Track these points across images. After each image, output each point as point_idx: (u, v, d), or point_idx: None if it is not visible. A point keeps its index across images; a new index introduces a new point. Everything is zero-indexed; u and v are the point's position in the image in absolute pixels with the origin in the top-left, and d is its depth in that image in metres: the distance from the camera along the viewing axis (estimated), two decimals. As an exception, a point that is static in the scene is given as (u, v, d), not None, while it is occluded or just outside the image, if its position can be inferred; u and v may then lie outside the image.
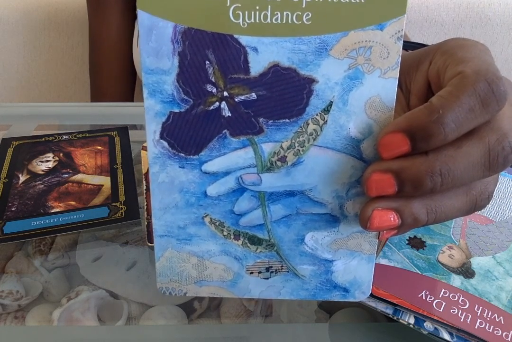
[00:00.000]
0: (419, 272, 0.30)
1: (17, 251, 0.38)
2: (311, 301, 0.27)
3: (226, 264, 0.25)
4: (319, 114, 0.22)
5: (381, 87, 0.21)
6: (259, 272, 0.25)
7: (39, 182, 0.43)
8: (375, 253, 0.25)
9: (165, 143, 0.22)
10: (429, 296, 0.29)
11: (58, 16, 0.89)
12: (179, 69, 0.21)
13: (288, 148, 0.23)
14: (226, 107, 0.22)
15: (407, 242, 0.32)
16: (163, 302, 0.34)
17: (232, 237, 0.24)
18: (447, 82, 0.22)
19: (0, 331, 0.32)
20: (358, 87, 0.21)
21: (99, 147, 0.48)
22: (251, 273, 0.25)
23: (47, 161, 0.46)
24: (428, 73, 0.26)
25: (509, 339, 0.27)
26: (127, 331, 0.33)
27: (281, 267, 0.25)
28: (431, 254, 0.32)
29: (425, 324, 0.28)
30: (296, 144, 0.23)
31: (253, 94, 0.22)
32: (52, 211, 0.39)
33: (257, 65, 0.21)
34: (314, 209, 0.24)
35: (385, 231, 0.23)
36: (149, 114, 0.22)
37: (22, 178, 0.43)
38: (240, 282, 0.25)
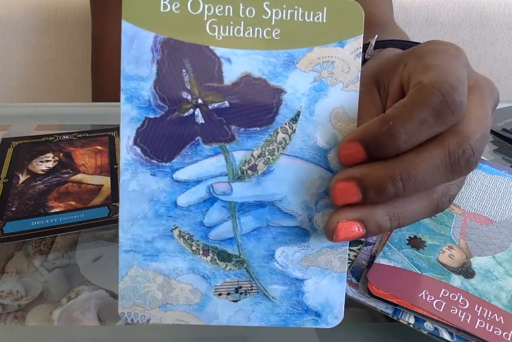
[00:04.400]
0: (419, 272, 0.30)
1: (17, 251, 0.38)
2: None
3: (194, 284, 0.24)
4: (287, 123, 0.23)
5: (343, 99, 0.23)
6: (228, 294, 0.24)
7: (39, 182, 0.43)
8: (346, 271, 0.25)
9: (138, 149, 0.23)
10: (429, 296, 0.29)
11: (58, 16, 0.89)
12: (157, 76, 0.22)
13: (258, 157, 0.23)
14: (200, 114, 0.23)
15: (407, 242, 0.32)
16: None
17: (201, 252, 0.24)
18: (409, 91, 0.23)
19: (0, 331, 0.32)
20: (323, 98, 0.23)
21: (99, 147, 0.48)
22: (220, 294, 0.24)
23: (47, 161, 0.46)
24: (401, 76, 0.26)
25: (509, 339, 0.27)
26: (127, 331, 0.33)
27: (250, 287, 0.24)
28: (431, 254, 0.32)
29: (425, 324, 0.28)
30: (266, 153, 0.23)
31: (226, 102, 0.23)
32: (52, 211, 0.39)
33: (230, 74, 0.22)
34: (284, 221, 0.24)
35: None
36: (124, 119, 0.22)
37: (22, 178, 0.43)
38: (207, 306, 0.24)
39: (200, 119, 0.23)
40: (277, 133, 0.23)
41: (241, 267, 0.24)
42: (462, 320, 0.28)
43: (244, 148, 0.23)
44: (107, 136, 0.50)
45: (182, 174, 0.23)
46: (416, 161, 0.22)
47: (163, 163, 0.23)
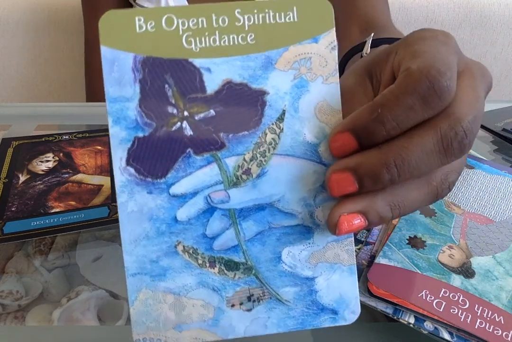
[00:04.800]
0: (419, 272, 0.30)
1: (17, 251, 0.38)
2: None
3: (205, 299, 0.24)
4: (274, 123, 0.23)
5: (325, 92, 0.23)
6: (241, 303, 0.24)
7: (39, 182, 0.43)
8: (355, 263, 0.25)
9: (132, 170, 0.23)
10: (429, 296, 0.29)
11: (58, 16, 0.89)
12: (141, 95, 0.23)
13: (251, 160, 0.23)
14: (187, 126, 0.23)
15: (407, 241, 0.32)
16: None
17: (207, 265, 0.24)
18: (397, 78, 0.23)
19: (0, 331, 0.32)
20: (305, 94, 0.23)
21: (99, 147, 0.48)
22: (233, 305, 0.24)
23: (47, 161, 0.46)
24: (393, 64, 0.26)
25: (509, 339, 0.27)
26: (127, 331, 0.32)
27: (262, 293, 0.24)
28: (431, 254, 0.32)
29: (425, 323, 0.28)
30: (258, 155, 0.23)
31: (211, 111, 0.23)
32: (52, 211, 0.39)
33: (211, 83, 0.23)
34: (286, 221, 0.24)
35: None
36: (114, 141, 0.23)
37: (22, 178, 0.43)
38: (222, 319, 0.24)
39: (189, 131, 0.23)
40: (266, 134, 0.23)
41: (249, 274, 0.24)
42: (462, 320, 0.28)
43: (236, 153, 0.23)
44: (107, 136, 0.50)
45: (178, 188, 0.23)
46: (409, 146, 0.22)
47: (158, 180, 0.23)
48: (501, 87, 0.97)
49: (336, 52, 0.24)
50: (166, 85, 0.23)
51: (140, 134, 0.23)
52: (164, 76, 0.23)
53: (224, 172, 0.23)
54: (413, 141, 0.22)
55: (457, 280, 0.30)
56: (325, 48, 0.23)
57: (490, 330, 0.27)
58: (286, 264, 0.24)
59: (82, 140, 0.49)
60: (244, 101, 0.23)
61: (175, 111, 0.23)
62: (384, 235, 0.33)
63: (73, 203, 0.40)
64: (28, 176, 0.44)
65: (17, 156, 0.46)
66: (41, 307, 0.34)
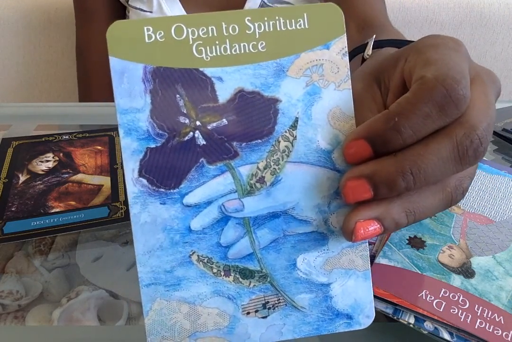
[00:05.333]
0: (419, 272, 0.30)
1: (17, 251, 0.38)
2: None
3: (220, 307, 0.24)
4: (287, 131, 0.23)
5: (338, 98, 0.23)
6: (256, 311, 0.24)
7: (39, 182, 0.43)
8: (369, 268, 0.25)
9: (144, 181, 0.23)
10: (429, 296, 0.29)
11: (58, 16, 0.89)
12: (152, 105, 0.22)
13: (264, 168, 0.23)
14: (200, 136, 0.23)
15: (407, 241, 0.32)
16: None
17: (222, 273, 0.24)
18: (411, 86, 0.23)
19: (0, 331, 0.32)
20: (318, 101, 0.23)
21: (99, 147, 0.48)
22: (248, 313, 0.24)
23: (47, 161, 0.46)
24: (403, 71, 0.26)
25: (509, 339, 0.27)
26: (127, 331, 0.33)
27: (278, 300, 0.24)
28: (431, 254, 0.32)
29: (425, 323, 0.28)
30: (272, 163, 0.23)
31: (224, 120, 0.23)
32: (52, 211, 0.39)
33: (224, 92, 0.23)
34: (300, 228, 0.24)
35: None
36: (126, 153, 0.22)
37: (22, 178, 0.43)
38: (237, 327, 0.24)
39: (201, 141, 0.23)
40: (279, 142, 0.23)
41: (265, 281, 0.24)
42: (462, 320, 0.28)
43: (249, 162, 0.23)
44: (107, 136, 0.50)
45: (192, 198, 0.23)
46: (424, 154, 0.22)
47: (172, 191, 0.23)
48: (501, 87, 0.97)
49: (347, 58, 0.24)
50: (178, 95, 0.22)
51: (152, 145, 0.22)
52: (175, 86, 0.22)
53: (238, 181, 0.23)
54: (429, 149, 0.22)
55: (457, 280, 0.30)
56: (336, 54, 0.23)
57: (490, 330, 0.27)
58: (301, 271, 0.24)
59: (82, 140, 0.49)
60: (256, 110, 0.23)
61: (187, 121, 0.23)
62: (384, 235, 0.33)
63: (73, 203, 0.40)
64: (28, 176, 0.44)
65: (17, 156, 0.46)
66: (41, 307, 0.34)
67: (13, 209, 0.39)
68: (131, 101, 0.22)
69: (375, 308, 0.28)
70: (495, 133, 0.55)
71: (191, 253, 0.23)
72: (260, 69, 0.23)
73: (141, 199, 0.23)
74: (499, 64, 0.96)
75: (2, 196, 0.41)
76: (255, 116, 0.23)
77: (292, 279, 0.24)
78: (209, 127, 0.23)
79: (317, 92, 0.23)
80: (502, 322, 0.28)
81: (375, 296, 0.28)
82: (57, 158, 0.46)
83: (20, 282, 0.35)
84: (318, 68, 0.23)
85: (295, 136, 0.23)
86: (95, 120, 0.57)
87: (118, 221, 0.38)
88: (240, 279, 0.24)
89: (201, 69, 0.23)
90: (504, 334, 0.27)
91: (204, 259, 0.24)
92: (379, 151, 0.22)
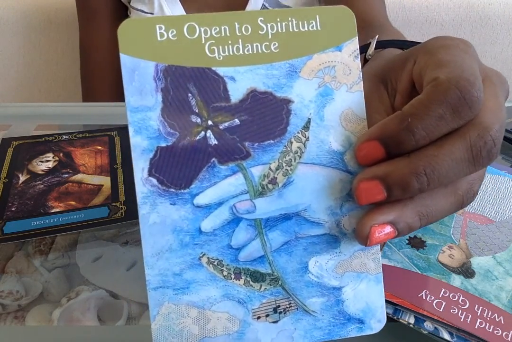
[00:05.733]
0: (419, 272, 0.30)
1: (17, 251, 0.38)
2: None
3: (230, 311, 0.23)
4: (300, 132, 0.23)
5: (350, 100, 0.23)
6: (267, 315, 0.24)
7: (39, 182, 0.43)
8: (381, 272, 0.25)
9: (154, 180, 0.22)
10: (429, 296, 0.29)
11: (58, 16, 0.89)
12: (163, 104, 0.22)
13: (276, 169, 0.23)
14: (212, 135, 0.23)
15: (407, 241, 0.32)
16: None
17: (232, 276, 0.23)
18: (424, 87, 0.23)
19: (0, 331, 0.32)
20: (330, 102, 0.23)
21: (99, 147, 0.48)
22: (258, 318, 0.24)
23: (47, 161, 0.46)
24: (412, 72, 0.26)
25: (509, 339, 0.27)
26: (127, 331, 0.33)
27: (289, 304, 0.24)
28: (431, 254, 0.32)
29: (425, 323, 0.28)
30: (284, 164, 0.23)
31: (236, 119, 0.23)
32: (52, 211, 0.39)
33: (236, 92, 0.23)
34: (313, 231, 0.24)
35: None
36: (136, 152, 0.22)
37: (22, 178, 0.43)
38: (247, 332, 0.23)
39: (213, 141, 0.23)
40: (291, 143, 0.23)
41: (276, 285, 0.24)
42: (462, 320, 0.28)
43: (261, 163, 0.23)
44: (107, 136, 0.50)
45: (203, 199, 0.23)
46: (438, 155, 0.22)
47: (182, 191, 0.23)
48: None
49: (359, 61, 0.24)
50: (189, 94, 0.22)
51: (163, 144, 0.22)
52: (187, 85, 0.22)
53: (250, 182, 0.23)
54: (443, 150, 0.22)
55: (457, 280, 0.30)
56: (348, 56, 0.23)
57: (490, 330, 0.27)
58: (313, 274, 0.24)
59: (82, 140, 0.49)
60: (269, 110, 0.23)
61: (198, 120, 0.22)
62: (384, 235, 0.33)
63: (73, 203, 0.40)
64: (28, 176, 0.44)
65: (17, 156, 0.46)
66: (41, 307, 0.34)
67: (13, 209, 0.39)
68: (142, 100, 0.22)
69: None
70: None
71: (201, 255, 0.23)
72: (272, 70, 0.23)
73: (150, 199, 0.22)
74: (499, 64, 0.96)
75: (2, 196, 0.41)
76: (268, 116, 0.23)
77: (304, 283, 0.24)
78: (221, 127, 0.23)
79: (330, 94, 0.23)
80: (502, 322, 0.28)
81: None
82: (57, 158, 0.46)
83: (20, 282, 0.35)
84: (330, 69, 0.23)
85: (308, 138, 0.23)
86: (95, 120, 0.57)
87: (118, 221, 0.38)
88: (251, 282, 0.23)
89: (213, 68, 0.22)
90: (504, 334, 0.27)
91: (214, 262, 0.23)
92: (391, 153, 0.22)
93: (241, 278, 0.23)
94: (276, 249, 0.24)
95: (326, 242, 0.24)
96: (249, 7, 0.71)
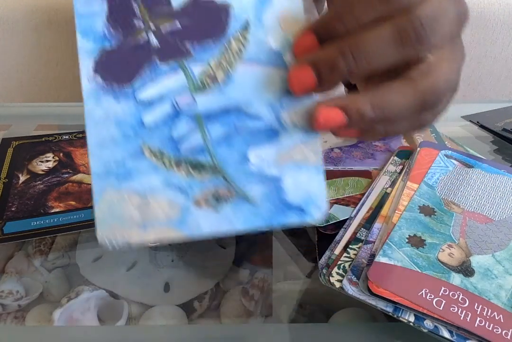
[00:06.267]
0: (419, 270, 0.30)
1: (17, 251, 0.38)
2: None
3: (171, 198, 0.24)
4: (239, 32, 0.24)
5: (288, 3, 0.24)
6: (207, 203, 0.24)
7: (39, 182, 0.43)
8: (321, 163, 0.25)
9: (98, 77, 0.24)
10: (429, 294, 0.29)
11: (58, 16, 0.89)
12: (108, 10, 0.24)
13: (216, 67, 0.24)
14: (153, 37, 0.24)
15: (407, 240, 0.32)
16: (163, 302, 0.34)
17: (174, 166, 0.24)
18: None
19: (0, 331, 0.32)
20: (268, 5, 0.24)
21: (99, 147, 0.48)
22: (199, 204, 0.24)
23: (47, 161, 0.46)
24: None
25: (508, 337, 0.27)
26: (127, 331, 0.33)
27: (229, 192, 0.24)
28: (431, 253, 0.32)
29: (425, 322, 0.28)
30: (224, 63, 0.24)
31: (177, 21, 0.24)
32: (52, 211, 0.39)
33: None
34: (252, 123, 0.25)
35: (340, 132, 0.24)
36: (82, 53, 0.24)
37: (22, 178, 0.43)
38: (188, 218, 0.24)
39: (155, 41, 0.24)
40: (230, 42, 0.24)
41: (217, 174, 0.24)
42: (462, 318, 0.28)
43: (201, 61, 0.24)
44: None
45: (145, 94, 0.24)
46: (364, 35, 0.22)
47: (124, 87, 0.24)
48: (501, 87, 0.97)
49: None
50: (133, 1, 0.24)
51: (107, 45, 0.24)
52: None
53: (190, 78, 0.24)
54: (370, 32, 0.22)
55: (456, 279, 0.30)
56: None
57: (490, 328, 0.27)
58: (253, 164, 0.25)
59: (82, 140, 0.50)
60: (209, 14, 0.24)
61: (141, 23, 0.24)
62: (384, 234, 0.33)
63: (73, 203, 0.40)
64: (28, 176, 0.44)
65: (17, 156, 0.46)
66: (41, 307, 0.34)
67: (13, 209, 0.39)
68: (89, 6, 0.24)
69: (375, 306, 0.29)
70: (495, 133, 0.55)
71: (143, 147, 0.24)
72: None
73: (95, 94, 0.24)
74: (499, 64, 0.96)
75: (2, 196, 0.41)
76: (208, 20, 0.24)
77: (244, 172, 0.25)
78: (162, 30, 0.24)
79: None
80: (502, 320, 0.28)
81: (375, 295, 0.28)
82: (57, 158, 0.46)
83: (20, 282, 0.35)
84: None
85: (247, 38, 0.24)
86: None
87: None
88: (192, 172, 0.24)
89: None
90: (503, 332, 0.27)
91: (156, 153, 0.24)
92: (324, 41, 0.23)
93: (183, 168, 0.24)
94: (216, 140, 0.24)
95: (266, 134, 0.25)
96: None
